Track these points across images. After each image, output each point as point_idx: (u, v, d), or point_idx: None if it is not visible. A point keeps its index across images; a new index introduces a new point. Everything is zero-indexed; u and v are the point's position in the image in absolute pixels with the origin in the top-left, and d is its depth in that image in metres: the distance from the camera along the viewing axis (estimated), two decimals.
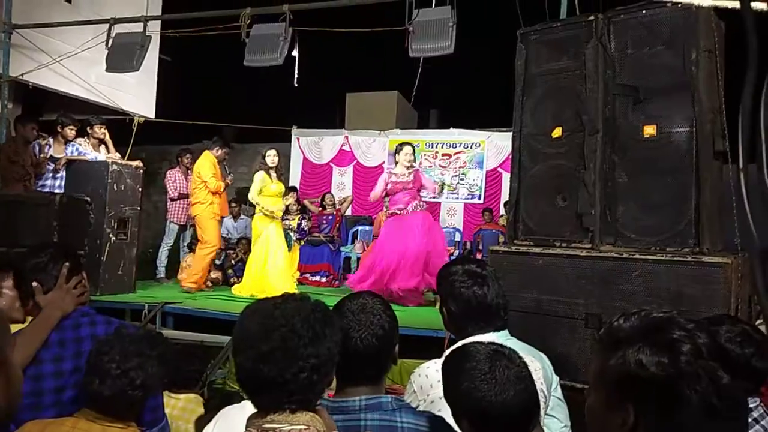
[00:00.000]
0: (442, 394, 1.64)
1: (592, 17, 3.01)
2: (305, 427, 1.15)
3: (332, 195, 9.03)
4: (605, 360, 0.90)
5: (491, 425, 1.31)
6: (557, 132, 3.08)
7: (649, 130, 2.83)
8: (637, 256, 2.74)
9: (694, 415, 0.81)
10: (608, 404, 0.88)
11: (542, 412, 1.85)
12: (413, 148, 6.11)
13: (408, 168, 5.92)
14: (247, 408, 1.32)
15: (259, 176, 6.29)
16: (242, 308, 1.29)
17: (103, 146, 6.38)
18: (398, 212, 5.88)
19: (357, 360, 1.42)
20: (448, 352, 1.54)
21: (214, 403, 2.47)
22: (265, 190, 6.29)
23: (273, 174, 6.39)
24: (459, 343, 1.67)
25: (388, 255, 5.72)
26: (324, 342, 1.21)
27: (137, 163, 6.26)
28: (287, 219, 8.05)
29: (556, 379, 1.99)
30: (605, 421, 0.89)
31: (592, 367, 0.96)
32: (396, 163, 6.06)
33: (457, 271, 1.92)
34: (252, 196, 6.30)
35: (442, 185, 5.99)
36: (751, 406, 1.63)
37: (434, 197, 6.52)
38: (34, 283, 1.85)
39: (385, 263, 5.71)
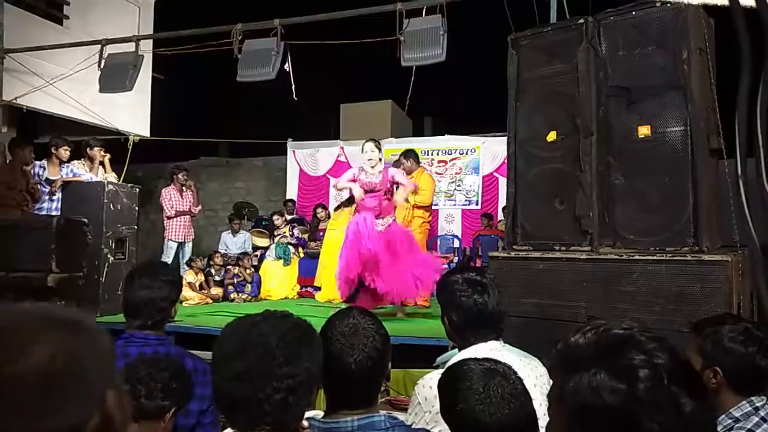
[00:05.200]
0: None
1: (582, 20, 3.02)
2: None
3: (323, 205, 8.97)
4: (563, 382, 0.83)
5: None
6: (552, 136, 3.08)
7: (644, 131, 2.83)
8: (637, 257, 2.73)
9: None
10: (567, 430, 0.82)
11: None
12: (376, 143, 5.37)
13: (373, 167, 5.24)
14: None
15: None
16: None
17: (99, 166, 6.37)
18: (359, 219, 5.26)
19: (351, 383, 1.40)
20: (443, 370, 1.51)
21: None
22: None
23: None
24: (453, 360, 1.65)
25: (345, 260, 5.20)
26: (301, 362, 1.18)
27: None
28: (279, 234, 8.04)
29: (550, 383, 1.99)
30: None
31: (552, 387, 0.89)
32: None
33: (457, 280, 1.91)
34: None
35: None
36: (758, 404, 1.62)
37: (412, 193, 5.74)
38: None
39: (345, 269, 5.17)
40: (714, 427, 0.84)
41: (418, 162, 6.58)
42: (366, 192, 5.20)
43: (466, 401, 1.31)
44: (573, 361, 0.82)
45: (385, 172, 5.30)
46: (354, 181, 5.29)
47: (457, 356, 1.79)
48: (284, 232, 8.01)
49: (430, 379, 1.78)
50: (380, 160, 5.33)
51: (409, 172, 6.26)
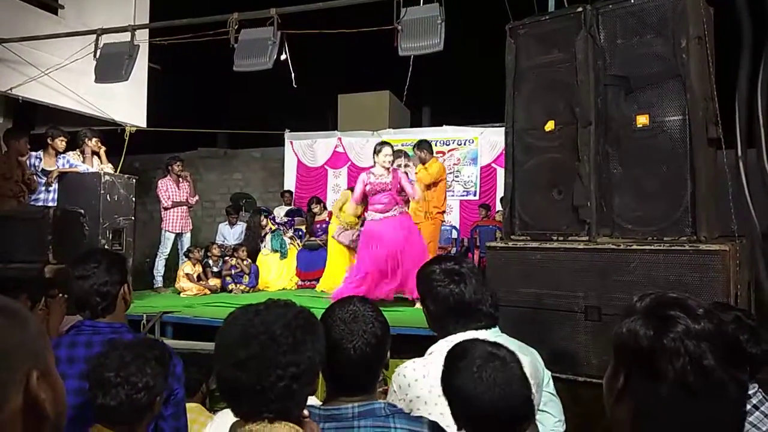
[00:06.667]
0: (419, 393, 1.68)
1: (580, 9, 3.00)
2: None
3: (317, 199, 8.89)
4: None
5: (481, 424, 1.33)
6: (550, 125, 3.07)
7: (642, 120, 2.82)
8: (634, 246, 2.73)
9: (671, 389, 0.82)
10: (612, 369, 0.92)
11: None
12: (392, 148, 5.63)
13: (387, 168, 5.52)
14: None
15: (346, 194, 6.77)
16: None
17: (95, 157, 6.35)
18: (376, 217, 5.53)
19: (351, 369, 1.41)
20: (418, 359, 1.52)
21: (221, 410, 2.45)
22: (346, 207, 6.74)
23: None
24: (458, 338, 1.65)
25: (367, 264, 5.44)
26: (305, 350, 1.19)
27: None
28: (266, 231, 8.00)
29: (548, 374, 1.98)
30: (607, 383, 0.92)
31: None
32: (375, 163, 5.63)
33: (435, 270, 1.90)
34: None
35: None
36: (749, 392, 1.62)
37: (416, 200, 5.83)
38: None
39: (364, 272, 5.42)
40: (734, 390, 0.84)
41: (431, 152, 6.59)
42: (378, 192, 5.51)
43: (462, 379, 1.34)
44: (627, 313, 0.91)
45: (395, 173, 5.54)
46: (365, 193, 5.55)
47: (436, 345, 1.80)
48: (271, 228, 7.97)
49: (404, 368, 1.80)
50: (391, 163, 5.61)
51: (423, 163, 6.35)
